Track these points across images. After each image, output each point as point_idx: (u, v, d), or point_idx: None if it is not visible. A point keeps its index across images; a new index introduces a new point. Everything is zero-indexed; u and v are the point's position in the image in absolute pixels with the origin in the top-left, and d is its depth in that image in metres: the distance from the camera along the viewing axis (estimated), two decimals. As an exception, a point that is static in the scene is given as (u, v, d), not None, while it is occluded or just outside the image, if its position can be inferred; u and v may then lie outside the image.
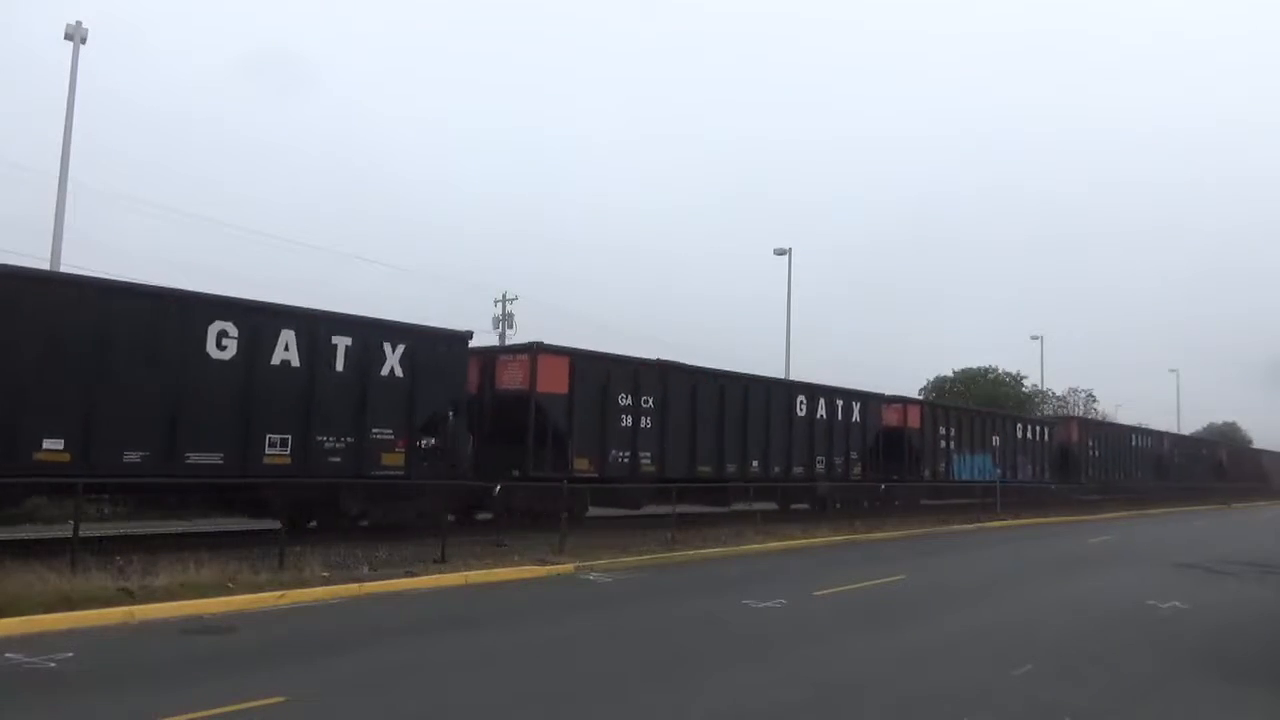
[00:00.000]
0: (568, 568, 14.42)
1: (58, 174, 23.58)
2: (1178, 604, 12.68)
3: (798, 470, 25.23)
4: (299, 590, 11.06)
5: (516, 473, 18.31)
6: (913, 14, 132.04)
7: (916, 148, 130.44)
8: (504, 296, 47.21)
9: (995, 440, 34.12)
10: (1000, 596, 13.70)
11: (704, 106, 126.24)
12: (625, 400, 20.33)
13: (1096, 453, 42.42)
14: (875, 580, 14.48)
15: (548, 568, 14.24)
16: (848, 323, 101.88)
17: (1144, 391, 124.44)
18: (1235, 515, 42.55)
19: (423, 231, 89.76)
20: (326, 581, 11.60)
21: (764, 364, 37.96)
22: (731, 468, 22.93)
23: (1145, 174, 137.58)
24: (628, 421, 20.37)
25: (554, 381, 18.95)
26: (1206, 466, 58.79)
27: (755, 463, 23.70)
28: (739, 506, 23.58)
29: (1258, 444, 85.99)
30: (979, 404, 46.10)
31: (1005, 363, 62.32)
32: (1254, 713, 7.57)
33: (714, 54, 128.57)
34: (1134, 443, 47.58)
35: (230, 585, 10.81)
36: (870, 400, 28.82)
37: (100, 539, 12.72)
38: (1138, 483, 45.94)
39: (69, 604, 9.35)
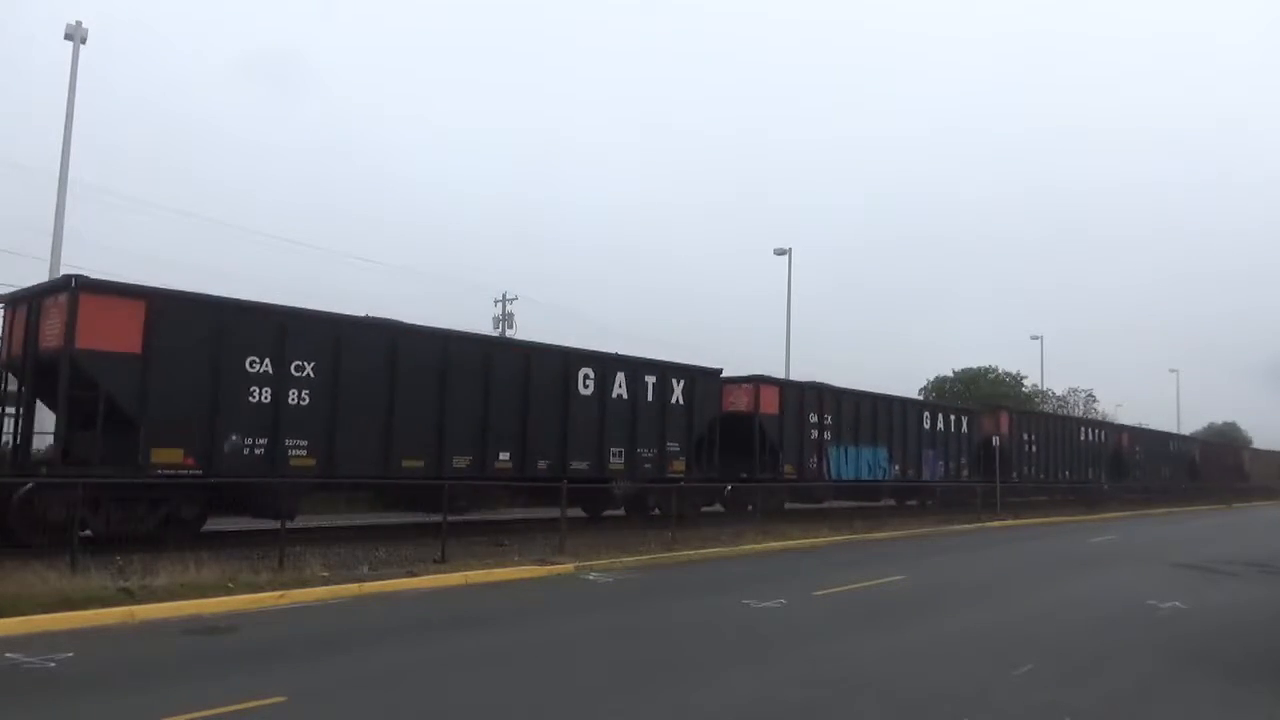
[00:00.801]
0: (568, 568, 14.43)
1: (58, 174, 23.60)
2: (1178, 604, 12.67)
3: (579, 466, 19.78)
4: (299, 590, 11.07)
5: (46, 469, 13.60)
6: (913, 15, 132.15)
7: (917, 149, 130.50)
8: (504, 296, 47.27)
9: (891, 431, 29.49)
10: (1000, 596, 13.70)
11: (704, 106, 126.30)
12: (259, 367, 14.74)
13: (1034, 448, 37.62)
14: (875, 580, 14.48)
15: (548, 568, 14.25)
16: (848, 323, 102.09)
17: (1144, 391, 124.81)
18: (1234, 516, 42.53)
19: (423, 231, 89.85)
20: (326, 581, 11.62)
21: (765, 364, 37.93)
22: (461, 463, 17.51)
23: (1145, 174, 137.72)
24: (263, 396, 14.75)
25: (113, 336, 13.31)
26: (1177, 464, 54.18)
27: (505, 455, 18.43)
28: (478, 516, 18.87)
29: (1258, 444, 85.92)
30: (979, 404, 45.64)
31: (1005, 363, 62.47)
32: (1254, 713, 7.56)
33: (714, 54, 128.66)
34: (1084, 437, 42.57)
35: (230, 585, 10.83)
36: (701, 378, 22.98)
37: (100, 539, 12.76)
38: (1090, 483, 41.67)
39: (69, 604, 9.36)
